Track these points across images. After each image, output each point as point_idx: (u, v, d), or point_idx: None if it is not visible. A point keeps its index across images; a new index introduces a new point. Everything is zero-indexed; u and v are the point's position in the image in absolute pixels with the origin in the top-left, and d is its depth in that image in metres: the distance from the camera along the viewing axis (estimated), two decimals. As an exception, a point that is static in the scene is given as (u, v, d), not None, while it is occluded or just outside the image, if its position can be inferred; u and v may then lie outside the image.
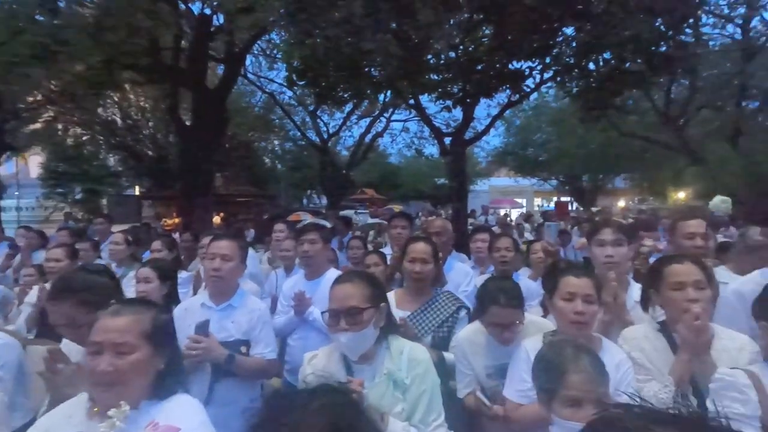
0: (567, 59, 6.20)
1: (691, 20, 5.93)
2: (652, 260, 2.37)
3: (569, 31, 6.12)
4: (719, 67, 12.43)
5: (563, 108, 15.43)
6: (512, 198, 21.88)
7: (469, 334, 1.93)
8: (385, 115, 16.45)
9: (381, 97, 12.54)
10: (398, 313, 1.92)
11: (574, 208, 20.93)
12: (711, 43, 12.69)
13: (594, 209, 18.13)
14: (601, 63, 6.22)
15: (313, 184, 21.61)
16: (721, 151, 10.61)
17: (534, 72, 6.40)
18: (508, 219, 12.72)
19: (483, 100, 7.29)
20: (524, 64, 6.47)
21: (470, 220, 11.43)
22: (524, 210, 19.54)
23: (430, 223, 3.23)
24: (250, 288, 2.67)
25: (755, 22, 11.19)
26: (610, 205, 22.14)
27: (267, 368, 2.11)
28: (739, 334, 1.62)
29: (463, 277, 2.70)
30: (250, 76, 14.45)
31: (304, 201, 25.25)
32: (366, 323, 1.41)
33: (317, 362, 1.53)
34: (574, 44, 6.19)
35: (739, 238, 2.48)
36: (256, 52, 12.68)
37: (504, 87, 6.84)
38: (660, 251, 2.70)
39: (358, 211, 15.87)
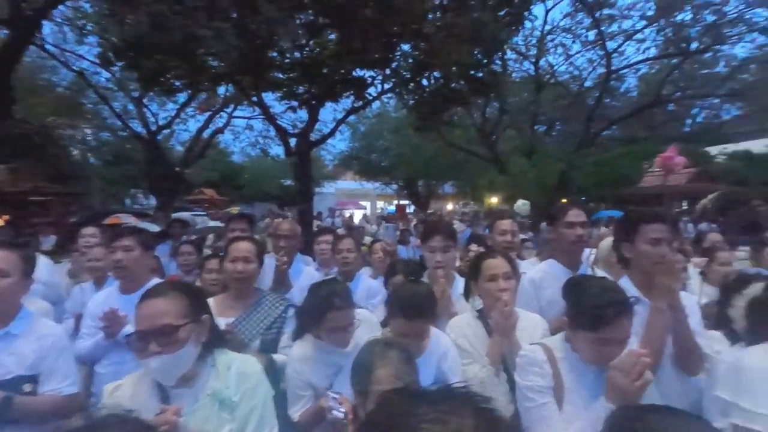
0: (404, 73, 6.76)
1: (500, 53, 7.04)
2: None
3: (406, 47, 6.68)
4: (519, 95, 15.19)
5: (402, 118, 16.79)
6: (357, 200, 22.84)
7: (299, 352, 1.80)
8: (227, 110, 15.36)
9: (221, 90, 11.66)
10: (221, 322, 1.76)
11: (412, 210, 22.98)
12: (514, 74, 15.49)
13: (428, 212, 20.21)
14: (432, 80, 6.95)
15: (137, 182, 18.83)
16: (520, 164, 12.95)
17: (375, 81, 6.80)
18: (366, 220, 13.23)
19: (330, 104, 7.43)
20: (367, 73, 6.82)
21: (317, 222, 11.51)
22: (367, 212, 20.58)
23: (278, 225, 3.09)
24: (39, 308, 2.13)
25: (543, 62, 14.02)
26: (441, 208, 25.04)
27: (64, 406, 1.70)
28: (533, 314, 1.96)
29: (310, 281, 2.65)
30: (50, 48, 11.84)
31: (127, 201, 21.89)
32: (183, 342, 1.22)
33: (122, 393, 1.28)
34: (411, 60, 6.78)
35: (540, 234, 3.06)
36: (59, 20, 10.47)
37: (349, 92, 7.08)
38: None
39: (196, 213, 14.43)
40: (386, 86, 7.06)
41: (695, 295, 3.04)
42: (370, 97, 7.17)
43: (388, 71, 6.90)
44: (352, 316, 1.76)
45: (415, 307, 1.67)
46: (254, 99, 7.18)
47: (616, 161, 13.78)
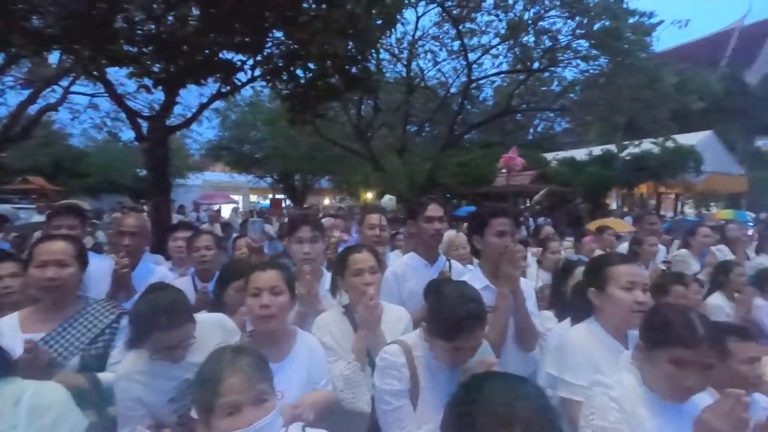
0: (277, 61, 6.45)
1: (373, 51, 7.18)
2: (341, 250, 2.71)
3: (280, 35, 6.39)
4: (393, 95, 15.85)
5: (277, 109, 16.22)
6: (228, 194, 21.34)
7: (128, 366, 1.55)
8: (63, 83, 12.85)
9: (54, 58, 9.75)
10: (19, 339, 1.43)
11: (287, 205, 22.37)
12: (387, 75, 16.12)
13: (305, 206, 19.91)
14: (307, 72, 6.78)
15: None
16: (393, 161, 13.54)
17: (245, 66, 6.35)
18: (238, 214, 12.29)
19: (195, 88, 6.72)
20: (236, 57, 6.33)
21: (179, 217, 10.41)
22: (239, 206, 19.39)
23: (120, 220, 2.64)
24: None
25: (414, 66, 14.84)
26: (318, 203, 24.91)
27: None
28: (397, 306, 2.00)
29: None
30: None
31: None
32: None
33: None
34: (284, 48, 6.50)
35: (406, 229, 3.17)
36: None
37: (215, 76, 6.49)
38: (346, 241, 3.15)
39: (20, 206, 11.84)
40: (257, 73, 6.65)
41: (533, 280, 3.48)
42: (239, 83, 6.68)
43: (259, 57, 6.52)
44: (187, 333, 1.52)
45: (168, 312, 1.46)
46: (96, 73, 6.13)
47: (475, 162, 15.30)
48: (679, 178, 14.10)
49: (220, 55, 6.21)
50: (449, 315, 1.39)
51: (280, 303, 1.60)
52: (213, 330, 1.77)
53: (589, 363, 1.63)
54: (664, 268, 3.79)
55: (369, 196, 18.00)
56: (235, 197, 22.40)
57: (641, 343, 1.39)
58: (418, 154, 15.29)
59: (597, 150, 15.42)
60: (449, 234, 2.81)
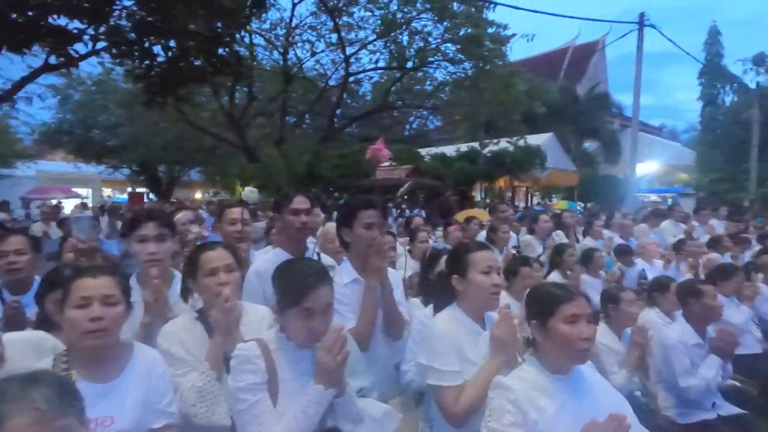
0: (127, 34, 5.61)
1: (245, 34, 6.71)
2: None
3: (130, 3, 5.56)
4: (269, 83, 15.16)
5: (133, 90, 14.28)
6: (72, 187, 18.13)
7: None
8: None
9: None
10: None
11: (149, 199, 19.92)
12: (264, 62, 15.36)
13: (171, 200, 17.97)
14: (168, 52, 6.04)
15: None
16: (271, 152, 12.98)
17: (85, 37, 5.38)
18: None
19: (22, 59, 5.47)
20: (72, 24, 5.33)
21: (1, 216, 8.54)
22: (88, 201, 16.63)
23: None
24: None
25: (292, 55, 14.38)
26: (188, 197, 22.72)
27: None
28: (260, 306, 1.86)
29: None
30: None
31: None
32: None
33: None
34: (135, 20, 5.68)
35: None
36: None
37: (43, 44, 5.38)
38: (205, 237, 2.87)
39: None
40: (99, 45, 5.70)
41: (402, 270, 3.60)
42: (76, 56, 5.65)
43: (104, 27, 5.59)
44: None
45: None
46: None
47: (355, 156, 15.50)
48: (528, 174, 16.15)
49: (50, 20, 5.17)
50: (294, 276, 1.40)
51: (114, 315, 1.36)
52: (24, 353, 1.45)
53: (454, 348, 1.71)
54: (514, 252, 4.26)
55: (247, 189, 16.99)
56: (82, 191, 19.19)
57: (533, 323, 1.49)
58: (297, 146, 14.90)
59: (464, 147, 16.83)
60: (325, 226, 2.74)
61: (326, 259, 2.44)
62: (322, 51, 14.57)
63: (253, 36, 11.75)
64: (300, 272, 1.41)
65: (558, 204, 14.25)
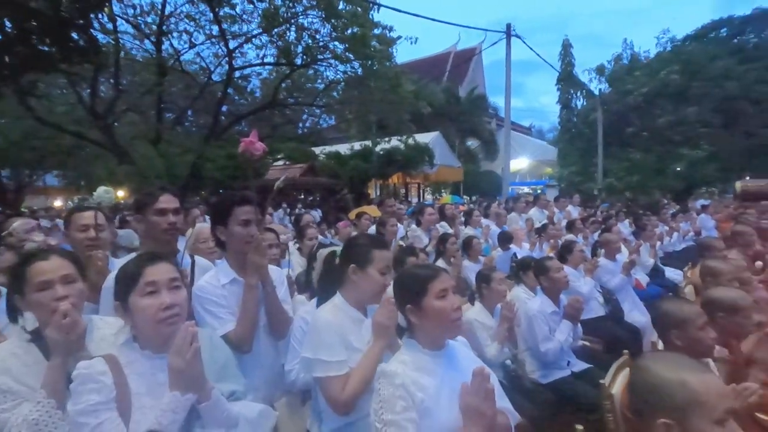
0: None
1: (105, 18, 5.95)
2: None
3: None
4: (142, 76, 13.65)
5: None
6: None
7: None
8: None
9: None
10: None
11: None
12: (134, 52, 13.78)
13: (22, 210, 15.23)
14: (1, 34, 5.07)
15: None
16: (146, 152, 11.72)
17: None
18: None
19: None
20: None
21: None
22: None
23: None
24: None
25: (167, 45, 13.13)
26: (45, 205, 19.47)
27: None
28: (115, 318, 1.66)
29: None
30: None
31: None
32: None
33: None
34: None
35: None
36: None
37: None
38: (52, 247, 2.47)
39: None
40: None
41: (294, 268, 3.52)
42: None
43: None
44: None
45: None
46: None
47: (245, 155, 14.74)
48: (419, 170, 17.00)
49: None
50: (129, 264, 1.37)
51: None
52: None
53: (339, 337, 1.73)
54: (402, 244, 4.45)
55: (120, 194, 15.15)
56: None
57: (408, 308, 1.53)
58: (178, 145, 13.68)
59: (357, 145, 17.09)
60: (196, 226, 2.55)
61: (200, 261, 2.28)
62: (202, 43, 13.56)
63: (118, 22, 10.45)
64: (135, 259, 1.38)
65: (444, 198, 15.26)
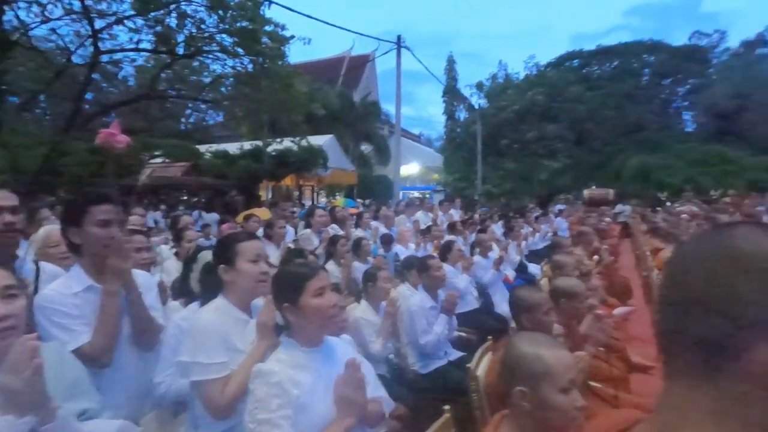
0: None
1: None
2: None
3: None
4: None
5: None
6: None
7: None
8: None
9: None
10: None
11: None
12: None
13: None
14: None
15: None
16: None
17: None
18: None
19: None
20: None
21: None
22: None
23: None
24: None
25: (11, 16, 11.09)
26: None
27: None
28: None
29: None
30: None
31: None
32: None
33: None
34: None
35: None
36: None
37: None
38: None
39: None
40: None
41: (171, 273, 3.25)
42: None
43: None
44: None
45: None
46: None
47: (114, 150, 13.11)
48: (313, 173, 16.87)
49: None
50: None
51: None
52: None
53: (220, 339, 1.68)
54: (292, 246, 4.39)
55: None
56: None
57: (286, 306, 1.52)
58: (26, 135, 11.64)
59: (248, 145, 16.34)
60: (42, 231, 2.21)
61: (48, 268, 1.99)
62: (60, 18, 11.73)
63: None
64: None
65: (337, 201, 15.39)
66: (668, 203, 14.59)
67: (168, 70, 14.11)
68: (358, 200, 19.14)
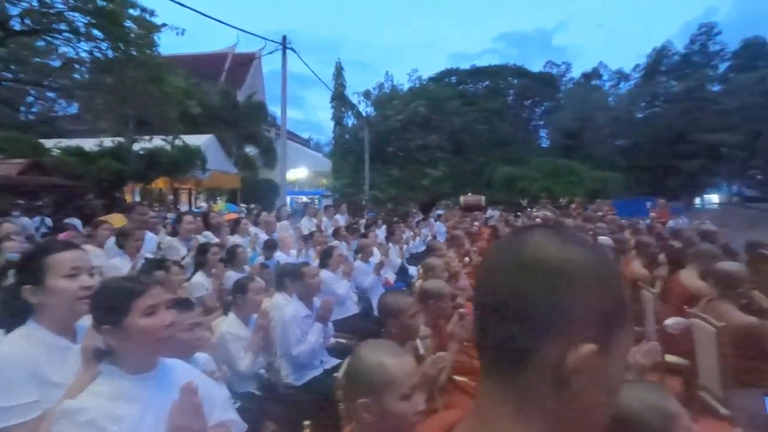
0: None
1: None
2: None
3: None
4: None
5: None
6: None
7: None
8: None
9: None
10: None
11: None
12: None
13: None
14: None
15: None
16: None
17: None
18: None
19: None
20: None
21: None
22: None
23: None
24: None
25: None
26: None
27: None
28: None
29: None
30: None
31: None
32: None
33: None
34: None
35: None
36: None
37: None
38: None
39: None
40: None
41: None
42: None
43: None
44: None
45: None
46: None
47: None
48: (189, 175, 15.50)
49: None
50: None
51: None
52: None
53: (29, 374, 1.37)
54: (150, 256, 3.91)
55: None
56: None
57: (106, 329, 1.30)
58: None
59: (109, 141, 14.39)
60: None
61: None
62: None
63: None
64: None
65: (217, 206, 14.37)
66: (528, 209, 16.60)
67: (1, 47, 11.75)
68: (242, 205, 18.12)
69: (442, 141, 24.48)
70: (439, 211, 16.52)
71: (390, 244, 6.55)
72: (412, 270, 6.88)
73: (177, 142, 13.66)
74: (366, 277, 4.94)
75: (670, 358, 3.46)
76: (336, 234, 6.84)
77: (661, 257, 4.70)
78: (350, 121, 26.35)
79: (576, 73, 33.89)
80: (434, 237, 10.00)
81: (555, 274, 0.50)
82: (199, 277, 4.05)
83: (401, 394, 1.29)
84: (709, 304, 2.98)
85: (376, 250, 5.67)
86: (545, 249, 0.52)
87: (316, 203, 18.03)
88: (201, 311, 3.84)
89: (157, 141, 13.61)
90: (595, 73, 32.79)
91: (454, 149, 25.32)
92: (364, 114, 25.08)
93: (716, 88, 28.25)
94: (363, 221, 11.13)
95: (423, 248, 9.04)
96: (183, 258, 4.29)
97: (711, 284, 3.09)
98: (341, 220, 9.09)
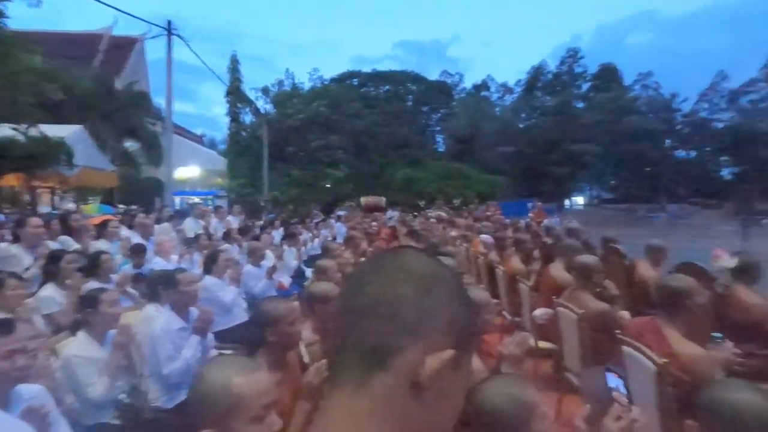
0: None
1: None
2: None
3: None
4: None
5: None
6: None
7: None
8: None
9: None
10: None
11: None
12: None
13: None
14: None
15: None
16: None
17: None
18: None
19: None
20: None
21: None
22: None
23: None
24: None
25: None
26: None
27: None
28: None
29: None
30: None
31: None
32: None
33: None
34: None
35: None
36: None
37: None
38: None
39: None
40: None
41: None
42: None
43: None
44: None
45: None
46: None
47: None
48: (51, 171, 13.32)
49: None
50: None
51: None
52: None
53: None
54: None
55: None
56: None
57: None
58: None
59: (-64, 128, 11.73)
60: None
61: None
62: None
63: None
64: None
65: (88, 208, 12.57)
66: (424, 209, 17.38)
67: None
68: (120, 206, 16.12)
69: (344, 142, 24.52)
70: (341, 212, 16.48)
71: (285, 246, 6.28)
72: (309, 273, 6.71)
73: (33, 132, 11.64)
74: (257, 282, 4.65)
75: (543, 344, 3.82)
76: (227, 236, 6.38)
77: (536, 253, 5.18)
78: (248, 118, 25.07)
79: (468, 83, 36.60)
80: (334, 238, 9.90)
81: (427, 281, 0.54)
82: (50, 290, 3.44)
83: (251, 417, 1.17)
84: (572, 294, 3.33)
85: (269, 253, 5.38)
86: (417, 260, 0.57)
87: (210, 204, 16.75)
88: (50, 331, 3.26)
89: (6, 130, 11.46)
90: (484, 85, 35.79)
91: (355, 151, 25.53)
92: (262, 111, 24.05)
93: (580, 104, 32.69)
94: (260, 222, 10.61)
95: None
96: (27, 269, 3.60)
97: (573, 275, 3.46)
98: (233, 221, 8.54)
